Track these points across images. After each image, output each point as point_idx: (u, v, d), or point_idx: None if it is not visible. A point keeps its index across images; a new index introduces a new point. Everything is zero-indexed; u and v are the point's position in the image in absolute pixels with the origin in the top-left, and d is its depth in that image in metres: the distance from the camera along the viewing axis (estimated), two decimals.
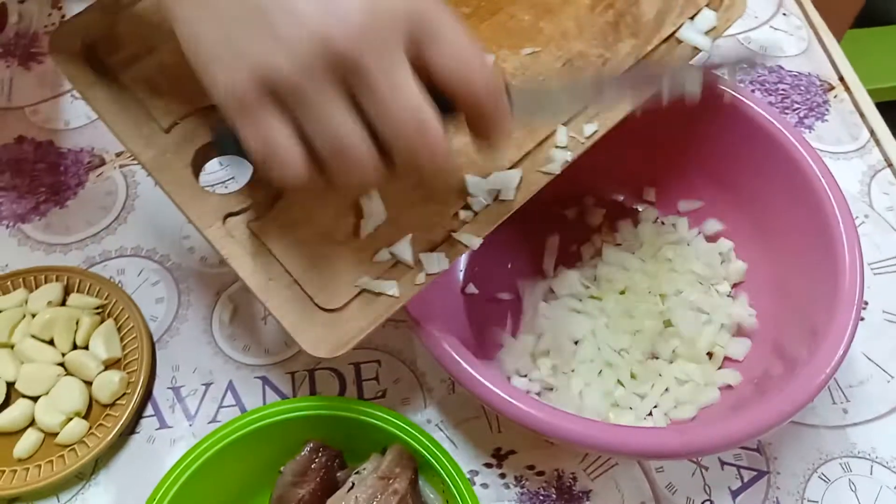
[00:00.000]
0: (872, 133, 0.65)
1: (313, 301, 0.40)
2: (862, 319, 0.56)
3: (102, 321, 0.53)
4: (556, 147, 0.44)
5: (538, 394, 0.51)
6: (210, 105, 0.40)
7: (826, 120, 0.66)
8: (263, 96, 0.30)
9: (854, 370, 0.54)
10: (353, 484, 0.43)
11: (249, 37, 0.29)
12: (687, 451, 0.40)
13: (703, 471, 0.50)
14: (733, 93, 0.51)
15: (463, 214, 0.42)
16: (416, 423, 0.44)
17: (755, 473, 0.50)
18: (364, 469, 0.44)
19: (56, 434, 0.49)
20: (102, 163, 0.62)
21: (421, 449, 0.43)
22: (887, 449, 0.51)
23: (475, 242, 0.42)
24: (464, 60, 0.32)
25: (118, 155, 0.62)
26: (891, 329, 0.56)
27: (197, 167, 0.41)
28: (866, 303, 0.57)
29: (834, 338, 0.43)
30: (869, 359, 0.55)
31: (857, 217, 0.60)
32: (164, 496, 0.42)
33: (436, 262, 0.41)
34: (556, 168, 0.43)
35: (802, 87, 0.68)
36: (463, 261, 0.57)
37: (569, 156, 0.43)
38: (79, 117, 0.64)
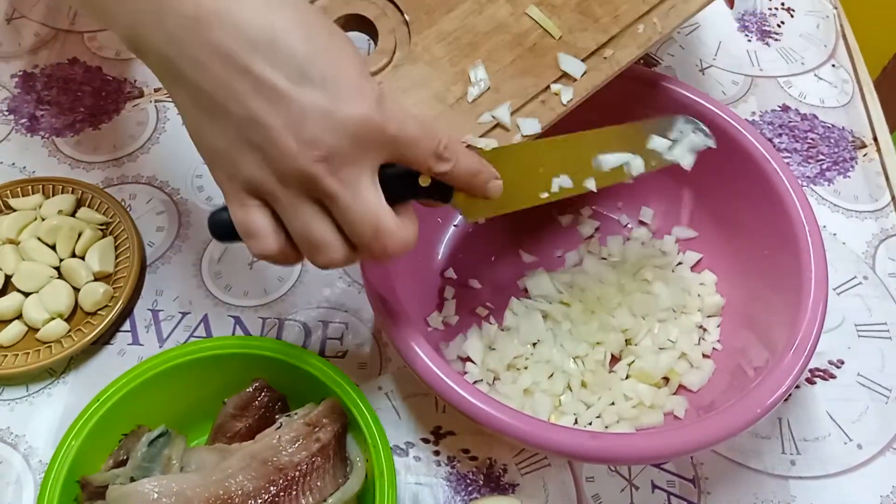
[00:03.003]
0: (894, 198, 0.64)
1: None
2: (833, 377, 0.55)
3: (103, 237, 0.57)
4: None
5: (488, 383, 0.52)
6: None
7: (849, 176, 0.65)
8: (250, 195, 0.37)
9: (813, 425, 0.53)
10: (281, 424, 0.45)
11: (242, 156, 0.36)
12: (597, 456, 0.40)
13: (634, 489, 0.50)
14: (750, 137, 0.51)
15: (554, 87, 0.47)
16: (366, 388, 0.46)
17: (684, 503, 0.50)
18: (296, 414, 0.46)
19: (38, 330, 0.53)
20: (141, 95, 0.66)
21: (350, 406, 0.45)
22: None
23: (565, 104, 0.47)
24: (442, 157, 0.38)
25: (156, 90, 0.66)
26: (860, 392, 0.55)
27: None
28: (842, 362, 0.56)
29: (774, 382, 0.43)
30: (832, 417, 0.54)
31: (854, 277, 0.60)
32: (108, 401, 0.45)
33: (529, 126, 0.46)
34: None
35: (832, 140, 0.67)
36: (448, 246, 0.58)
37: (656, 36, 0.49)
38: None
